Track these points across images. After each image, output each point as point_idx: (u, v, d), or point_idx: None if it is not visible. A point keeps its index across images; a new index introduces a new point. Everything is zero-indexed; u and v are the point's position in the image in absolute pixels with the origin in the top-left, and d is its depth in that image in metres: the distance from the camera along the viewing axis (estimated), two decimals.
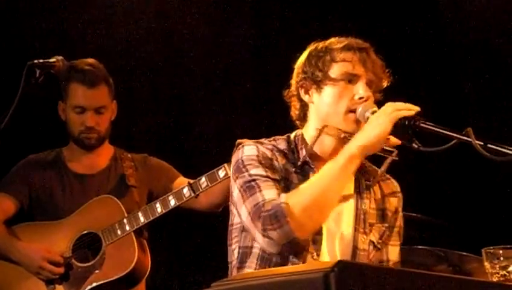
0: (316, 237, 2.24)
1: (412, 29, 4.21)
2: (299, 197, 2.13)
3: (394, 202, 2.37)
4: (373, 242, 2.30)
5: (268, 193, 2.19)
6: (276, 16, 4.42)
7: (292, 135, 2.35)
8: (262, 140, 2.33)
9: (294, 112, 2.36)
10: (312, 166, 2.29)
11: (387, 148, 2.22)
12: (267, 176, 2.23)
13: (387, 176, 2.40)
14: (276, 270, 1.89)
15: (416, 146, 2.15)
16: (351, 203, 2.31)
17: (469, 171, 4.04)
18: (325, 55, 2.29)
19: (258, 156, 2.26)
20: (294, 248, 2.14)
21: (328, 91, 2.28)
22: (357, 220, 2.30)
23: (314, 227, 2.17)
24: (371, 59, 2.29)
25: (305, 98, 2.32)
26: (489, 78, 4.21)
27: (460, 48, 4.34)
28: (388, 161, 2.26)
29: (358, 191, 2.32)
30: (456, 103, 4.25)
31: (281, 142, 2.33)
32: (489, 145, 2.05)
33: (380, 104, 2.25)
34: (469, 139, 2.07)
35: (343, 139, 2.24)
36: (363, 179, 2.34)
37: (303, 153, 2.30)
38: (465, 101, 4.31)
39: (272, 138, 2.35)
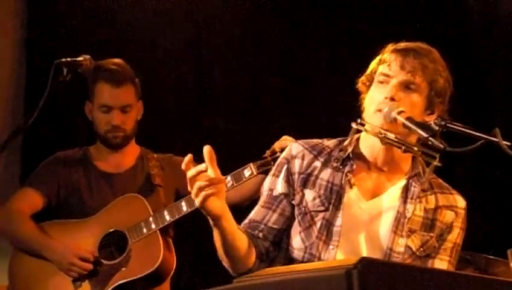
0: (336, 229, 2.26)
1: (438, 31, 4.19)
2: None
3: (449, 216, 2.32)
4: (410, 248, 2.28)
5: (253, 214, 2.37)
6: (303, 14, 4.43)
7: (356, 136, 2.39)
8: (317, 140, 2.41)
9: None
10: (351, 163, 2.31)
11: (428, 152, 2.21)
12: (270, 189, 2.37)
13: (451, 189, 2.38)
14: (298, 267, 1.89)
15: (442, 146, 2.13)
16: (393, 206, 2.31)
17: (496, 172, 4.01)
18: (377, 59, 2.35)
19: (281, 162, 2.38)
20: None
21: (370, 92, 2.33)
22: (395, 222, 2.28)
23: (233, 269, 2.26)
24: (409, 61, 2.27)
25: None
26: None
27: (487, 49, 4.31)
28: (431, 167, 2.25)
29: (405, 196, 2.31)
30: (483, 104, 4.23)
31: (332, 141, 2.38)
32: None
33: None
34: (496, 139, 2.06)
35: (384, 139, 2.24)
36: (416, 186, 2.32)
37: (348, 150, 2.34)
38: (492, 101, 4.28)
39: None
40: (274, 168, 2.40)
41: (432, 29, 4.15)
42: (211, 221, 2.18)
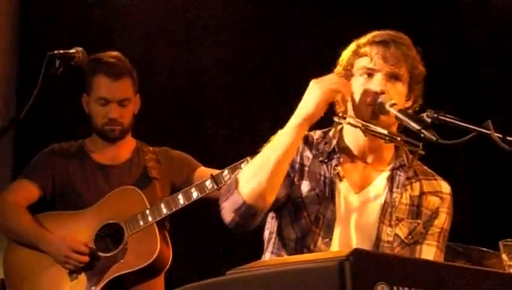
0: (329, 222, 2.28)
1: (432, 23, 4.20)
2: (247, 167, 2.27)
3: (435, 202, 2.37)
4: (399, 236, 2.31)
5: None
6: (295, 16, 4.44)
7: (339, 127, 2.40)
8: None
9: (339, 107, 2.37)
10: (338, 156, 2.33)
11: (411, 141, 2.23)
12: None
13: (435, 175, 2.41)
14: (291, 259, 1.90)
15: (434, 138, 2.15)
16: (379, 196, 2.34)
17: (488, 164, 4.02)
18: (353, 51, 2.36)
19: None
20: (245, 215, 2.22)
21: (352, 85, 2.33)
22: (382, 212, 2.31)
23: (260, 192, 2.20)
24: (392, 52, 2.30)
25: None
26: (509, 71, 4.18)
27: (480, 41, 4.31)
28: (415, 155, 2.28)
29: (391, 185, 2.34)
30: (475, 96, 4.24)
31: (318, 133, 2.40)
32: (508, 138, 2.05)
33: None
34: (488, 131, 2.07)
35: (368, 131, 2.26)
36: (400, 175, 2.35)
37: (333, 143, 2.35)
38: (485, 93, 4.29)
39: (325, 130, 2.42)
40: None
41: (424, 22, 4.16)
42: (305, 115, 2.19)
